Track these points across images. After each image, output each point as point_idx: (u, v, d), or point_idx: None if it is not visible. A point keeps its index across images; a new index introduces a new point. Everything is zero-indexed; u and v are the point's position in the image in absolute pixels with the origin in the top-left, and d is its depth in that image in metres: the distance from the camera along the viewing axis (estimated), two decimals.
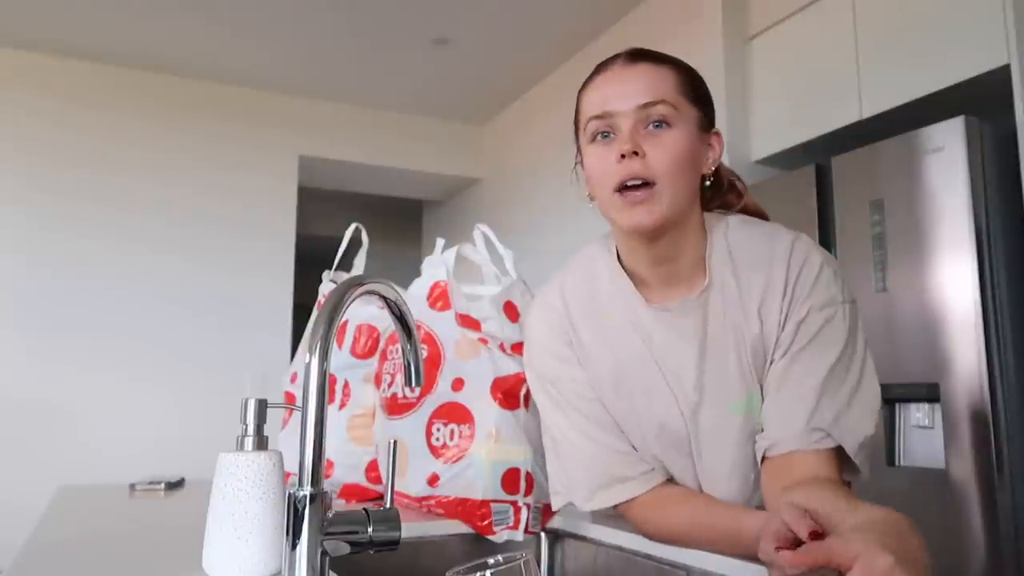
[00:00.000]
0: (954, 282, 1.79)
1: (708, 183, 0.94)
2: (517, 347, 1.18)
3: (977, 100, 2.00)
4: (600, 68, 0.95)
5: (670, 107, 0.88)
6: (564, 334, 1.00)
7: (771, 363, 0.90)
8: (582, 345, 0.99)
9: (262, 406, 0.84)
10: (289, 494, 0.70)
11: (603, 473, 0.96)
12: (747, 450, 0.91)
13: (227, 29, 3.52)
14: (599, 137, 0.91)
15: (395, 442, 0.84)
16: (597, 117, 0.91)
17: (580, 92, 0.96)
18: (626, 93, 0.89)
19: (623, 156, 0.87)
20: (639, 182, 0.87)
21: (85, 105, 3.81)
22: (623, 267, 0.97)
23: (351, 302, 0.77)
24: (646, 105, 0.88)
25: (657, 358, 0.94)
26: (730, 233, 0.94)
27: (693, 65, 0.96)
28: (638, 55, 0.93)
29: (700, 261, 0.93)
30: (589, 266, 1.01)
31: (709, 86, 0.97)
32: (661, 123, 0.88)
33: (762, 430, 0.89)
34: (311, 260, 3.46)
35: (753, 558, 0.82)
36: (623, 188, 0.87)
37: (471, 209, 4.79)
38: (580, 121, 0.95)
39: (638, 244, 0.93)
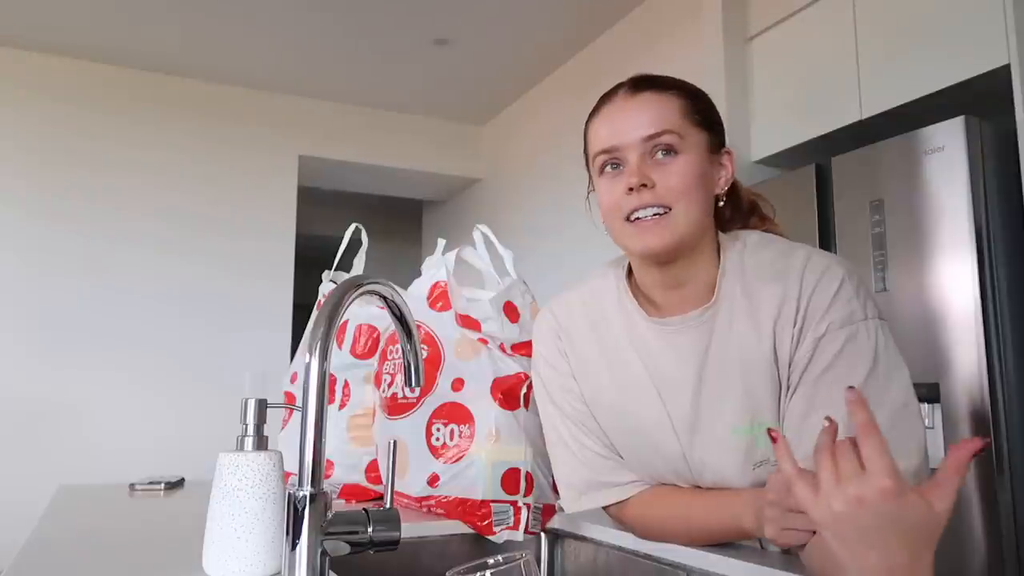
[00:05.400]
0: (954, 282, 1.79)
1: (721, 203, 0.93)
2: (517, 347, 1.18)
3: (977, 100, 2.00)
4: (604, 99, 0.94)
5: (675, 135, 0.87)
6: (558, 345, 1.01)
7: (792, 389, 0.84)
8: (579, 359, 0.99)
9: (262, 406, 0.84)
10: (289, 494, 0.70)
11: (592, 478, 0.97)
12: (752, 478, 0.87)
13: (227, 29, 3.52)
14: (608, 168, 0.91)
15: (395, 442, 0.84)
16: (604, 151, 0.91)
17: (587, 124, 0.96)
18: (630, 125, 0.89)
19: (631, 189, 0.87)
20: (651, 211, 0.87)
21: (84, 105, 3.81)
22: (636, 284, 0.97)
23: (351, 302, 0.76)
24: (651, 136, 0.87)
25: (655, 380, 0.92)
26: (746, 252, 0.92)
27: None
28: (641, 84, 0.92)
29: (713, 283, 0.91)
30: (601, 281, 1.01)
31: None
32: (668, 151, 0.87)
33: (772, 461, 0.84)
34: (311, 260, 3.46)
35: (752, 558, 0.82)
36: (634, 218, 0.88)
37: (471, 209, 4.79)
38: (589, 154, 0.95)
39: (651, 268, 0.92)
